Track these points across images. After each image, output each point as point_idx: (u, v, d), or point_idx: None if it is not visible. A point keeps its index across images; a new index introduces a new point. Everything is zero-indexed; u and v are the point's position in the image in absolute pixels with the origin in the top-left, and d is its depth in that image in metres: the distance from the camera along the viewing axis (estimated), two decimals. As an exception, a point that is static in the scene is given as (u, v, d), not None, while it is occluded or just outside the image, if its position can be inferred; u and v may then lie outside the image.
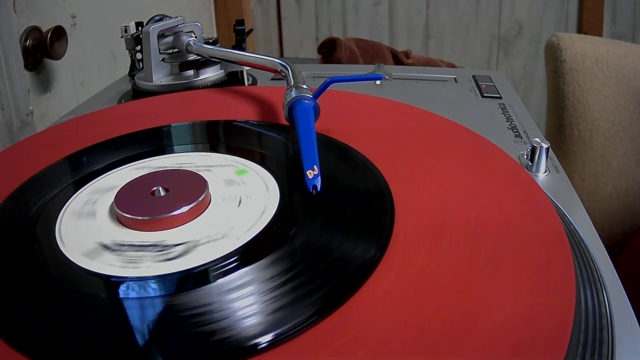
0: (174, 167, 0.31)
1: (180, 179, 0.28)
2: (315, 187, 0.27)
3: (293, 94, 0.33)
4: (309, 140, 0.30)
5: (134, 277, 0.22)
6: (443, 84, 0.52)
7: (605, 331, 0.21)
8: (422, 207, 0.26)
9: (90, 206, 0.28)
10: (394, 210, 0.25)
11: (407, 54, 0.79)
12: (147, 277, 0.22)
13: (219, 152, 0.33)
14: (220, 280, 0.22)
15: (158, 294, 0.21)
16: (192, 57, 0.49)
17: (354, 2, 1.24)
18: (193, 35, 0.49)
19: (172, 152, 0.33)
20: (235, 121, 0.37)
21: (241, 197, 0.27)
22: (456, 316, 0.19)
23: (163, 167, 0.31)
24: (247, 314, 0.20)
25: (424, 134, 0.34)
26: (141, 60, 0.54)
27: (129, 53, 0.54)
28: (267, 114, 0.38)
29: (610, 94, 0.63)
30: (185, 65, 0.48)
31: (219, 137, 0.36)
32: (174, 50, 0.49)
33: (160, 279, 0.22)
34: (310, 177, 0.27)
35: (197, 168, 0.30)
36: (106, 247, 0.24)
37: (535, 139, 0.34)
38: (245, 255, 0.23)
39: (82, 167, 0.32)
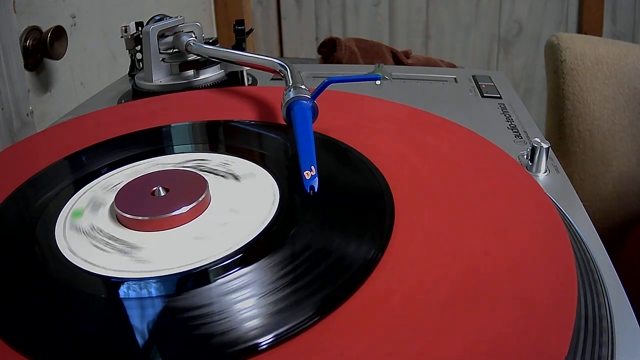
0: (175, 167, 0.31)
1: (181, 179, 0.28)
2: (312, 187, 0.27)
3: (291, 94, 0.33)
4: (307, 140, 0.30)
5: (135, 278, 0.22)
6: (443, 84, 0.52)
7: (606, 333, 0.21)
8: (421, 207, 0.26)
9: (90, 206, 0.28)
10: (393, 210, 0.25)
11: (407, 54, 0.79)
12: (148, 277, 0.22)
13: (218, 152, 0.33)
14: (220, 281, 0.22)
15: (158, 294, 0.21)
16: (192, 57, 0.49)
17: (354, 2, 1.24)
18: (193, 35, 0.49)
19: (172, 152, 0.33)
20: (233, 121, 0.37)
21: (241, 197, 0.27)
22: (455, 316, 0.19)
23: (163, 167, 0.31)
24: (248, 315, 0.20)
25: (423, 134, 0.34)
26: (141, 60, 0.54)
27: (129, 53, 0.54)
28: (266, 114, 0.38)
29: (610, 94, 0.63)
30: (185, 65, 0.48)
31: (218, 137, 0.36)
32: (174, 50, 0.49)
33: (161, 279, 0.22)
34: (308, 177, 0.27)
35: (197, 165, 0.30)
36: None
37: (535, 139, 0.34)
38: (245, 255, 0.23)
39: (82, 167, 0.32)
